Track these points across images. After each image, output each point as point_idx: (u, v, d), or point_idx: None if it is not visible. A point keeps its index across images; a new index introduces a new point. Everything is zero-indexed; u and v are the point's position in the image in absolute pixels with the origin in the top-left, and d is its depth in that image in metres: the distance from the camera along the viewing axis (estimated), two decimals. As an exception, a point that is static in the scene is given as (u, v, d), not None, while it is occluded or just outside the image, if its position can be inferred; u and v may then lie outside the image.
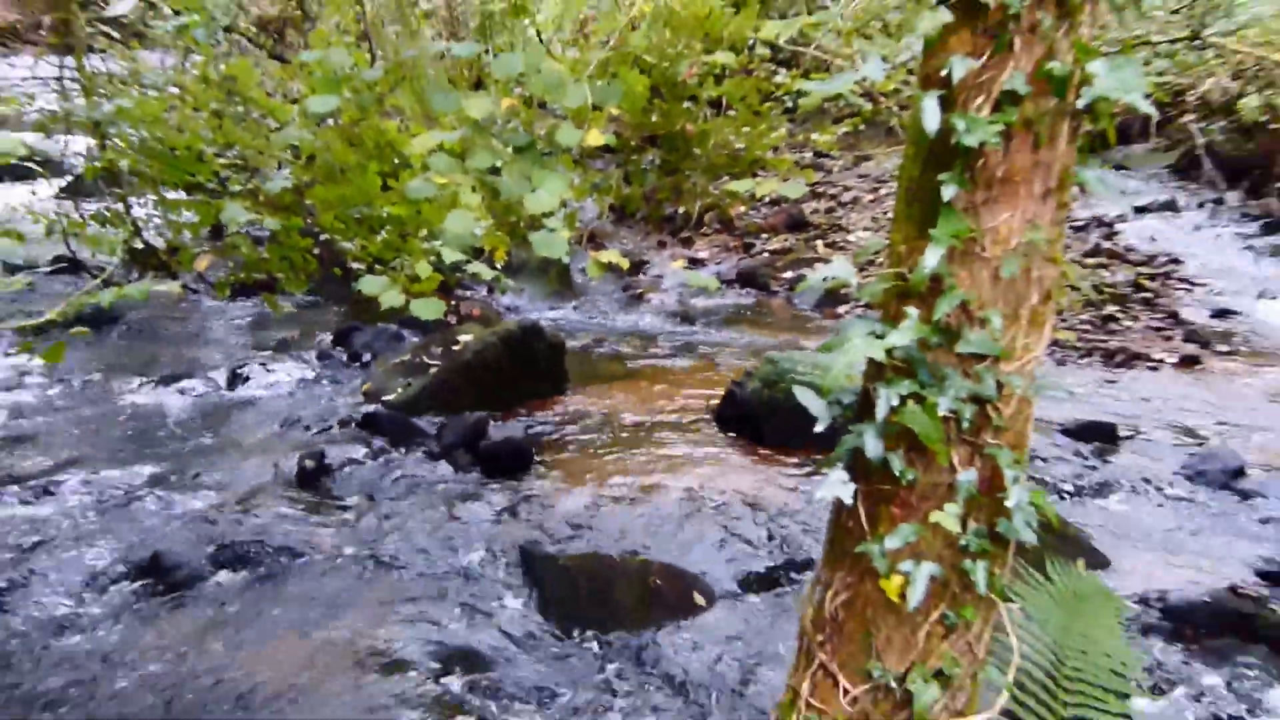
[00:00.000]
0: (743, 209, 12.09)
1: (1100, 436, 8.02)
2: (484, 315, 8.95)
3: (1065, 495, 7.18)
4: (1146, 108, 2.26)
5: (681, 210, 11.82)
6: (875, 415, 2.32)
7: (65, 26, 7.82)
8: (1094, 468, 7.64)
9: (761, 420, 7.53)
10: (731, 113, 11.63)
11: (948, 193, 2.27)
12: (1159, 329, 10.16)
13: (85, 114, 6.78)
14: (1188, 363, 9.54)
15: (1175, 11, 9.96)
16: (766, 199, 12.75)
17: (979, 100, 2.29)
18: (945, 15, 2.26)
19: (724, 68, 10.90)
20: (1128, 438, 8.09)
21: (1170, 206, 13.76)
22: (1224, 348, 9.94)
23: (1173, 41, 10.20)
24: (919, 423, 2.28)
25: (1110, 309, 10.42)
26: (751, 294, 10.75)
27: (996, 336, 2.32)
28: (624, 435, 7.63)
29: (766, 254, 11.74)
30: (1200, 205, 13.90)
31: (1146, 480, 7.47)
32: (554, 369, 8.22)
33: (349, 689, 4.91)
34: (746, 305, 10.49)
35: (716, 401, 7.93)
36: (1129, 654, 3.41)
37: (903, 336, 2.28)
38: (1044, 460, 7.60)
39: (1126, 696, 3.28)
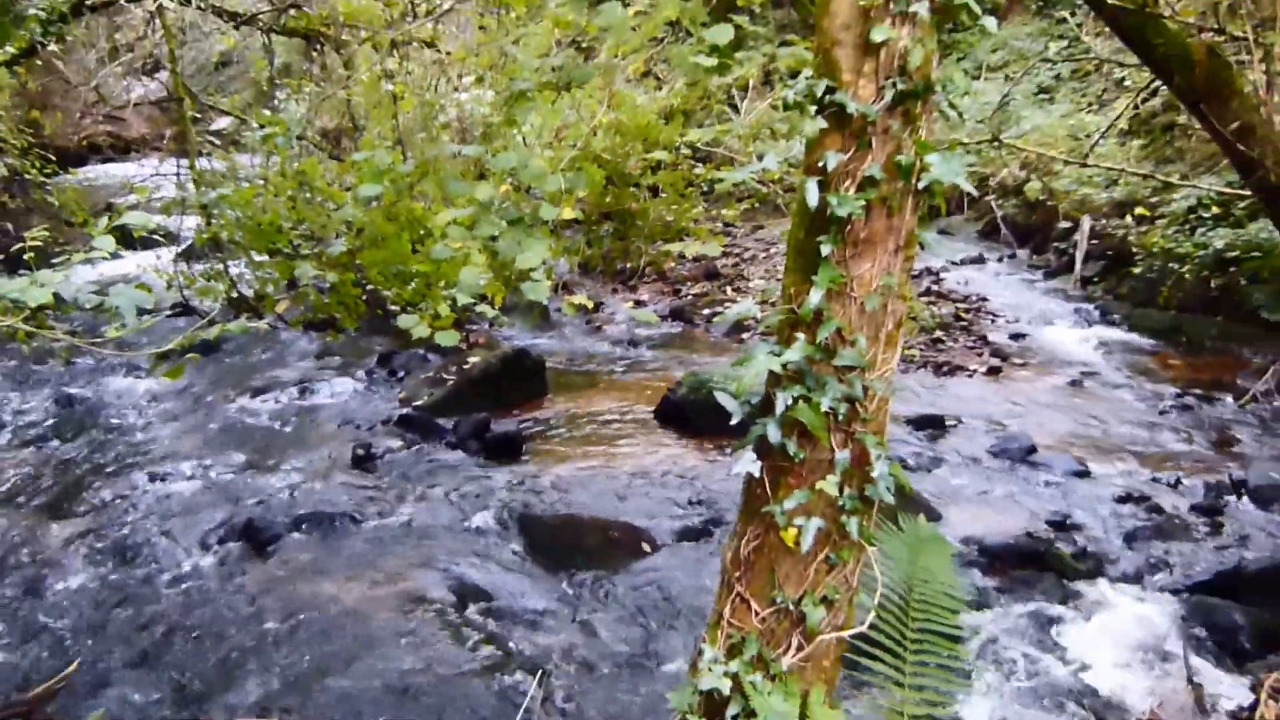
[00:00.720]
0: (672, 264, 12.08)
1: (933, 425, 8.04)
2: (488, 342, 8.87)
3: (910, 468, 7.18)
4: (968, 188, 2.26)
5: (629, 265, 11.80)
6: (775, 411, 2.29)
7: (182, 136, 7.71)
8: (929, 448, 7.66)
9: (690, 416, 7.50)
10: (664, 195, 11.64)
11: (825, 250, 2.26)
12: (973, 348, 10.20)
13: (195, 199, 6.70)
14: (993, 371, 9.59)
15: (980, 121, 10.04)
16: (690, 256, 12.76)
17: (847, 183, 2.27)
18: (821, 123, 2.24)
19: (659, 162, 10.92)
20: (952, 426, 8.11)
21: (979, 260, 13.84)
22: (1019, 360, 10.01)
23: (979, 142, 10.25)
24: (807, 416, 2.26)
25: (938, 334, 10.46)
26: (680, 325, 10.73)
27: (863, 353, 2.30)
28: (590, 427, 7.58)
29: (691, 296, 11.73)
30: (1000, 259, 13.99)
31: (966, 456, 7.50)
32: (538, 381, 8.17)
33: (391, 616, 4.85)
34: (676, 334, 10.48)
35: (657, 403, 7.90)
36: (957, 582, 3.39)
37: (794, 354, 2.26)
38: (895, 443, 7.61)
39: (957, 612, 3.26)
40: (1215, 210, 10.76)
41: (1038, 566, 5.87)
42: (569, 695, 4.29)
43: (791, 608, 2.33)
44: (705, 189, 12.40)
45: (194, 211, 7.49)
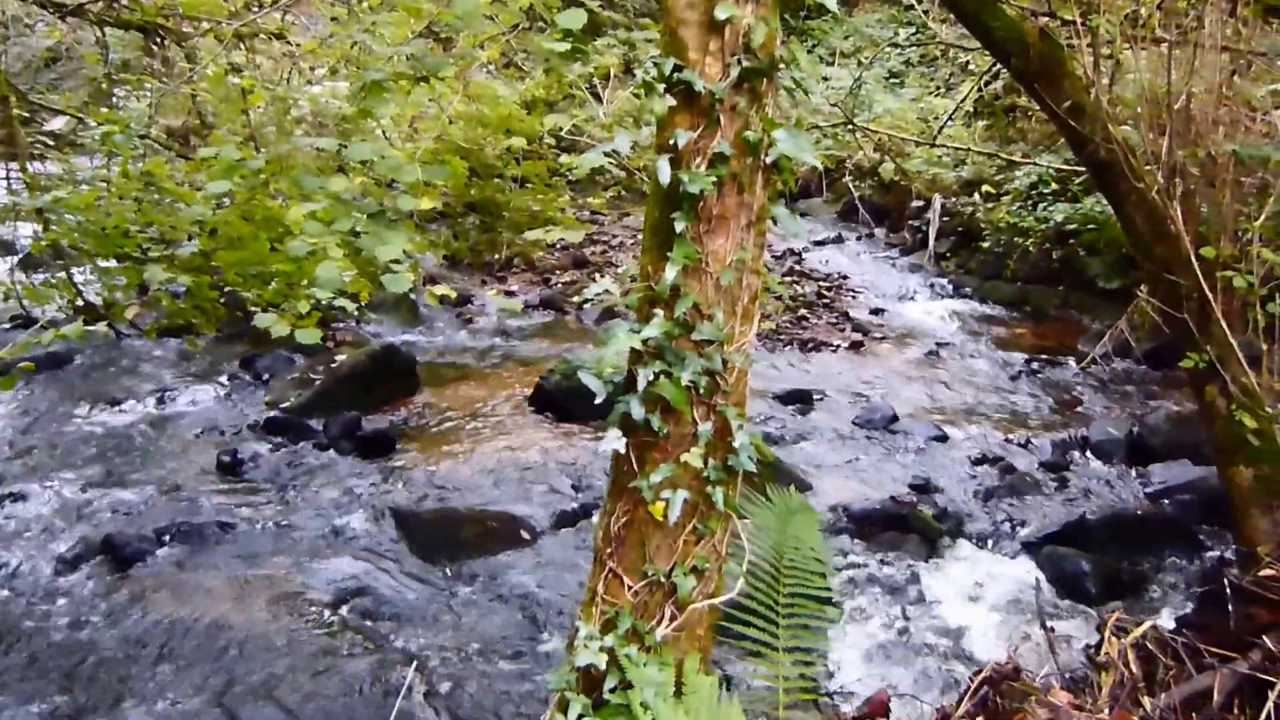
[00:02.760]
0: (541, 254, 12.03)
1: (800, 400, 8.22)
2: (355, 340, 8.67)
3: (779, 442, 7.33)
4: (813, 162, 2.32)
5: (497, 257, 11.69)
6: (637, 388, 2.31)
7: (10, 138, 7.28)
8: (797, 422, 7.83)
9: (564, 403, 7.49)
10: (530, 185, 11.58)
11: (679, 227, 2.29)
12: (835, 324, 10.47)
13: (29, 204, 6.33)
14: (855, 346, 9.86)
15: (834, 105, 10.27)
16: (559, 245, 12.72)
17: (698, 160, 2.31)
18: (670, 101, 2.27)
19: (524, 152, 10.84)
20: (819, 400, 8.31)
21: (839, 240, 14.22)
22: (879, 335, 10.32)
23: (834, 125, 10.50)
24: (669, 391, 2.29)
25: (802, 312, 10.70)
26: (551, 314, 10.71)
27: (720, 327, 2.34)
28: (463, 421, 7.50)
29: (560, 285, 11.71)
30: (859, 239, 14.40)
31: (832, 428, 7.70)
32: (409, 377, 8.03)
33: (267, 623, 4.71)
34: (547, 323, 10.46)
35: (530, 391, 7.87)
36: (824, 548, 3.47)
37: (653, 330, 2.29)
38: (764, 419, 7.76)
39: (825, 576, 3.34)
40: (1054, 186, 11.30)
41: (902, 529, 6.09)
42: (453, 685, 4.25)
43: (663, 580, 2.36)
44: (571, 179, 12.39)
45: (29, 218, 7.08)
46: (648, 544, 2.37)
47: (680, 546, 2.38)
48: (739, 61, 2.26)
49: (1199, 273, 4.63)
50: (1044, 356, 9.60)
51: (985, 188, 12.42)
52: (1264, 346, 4.60)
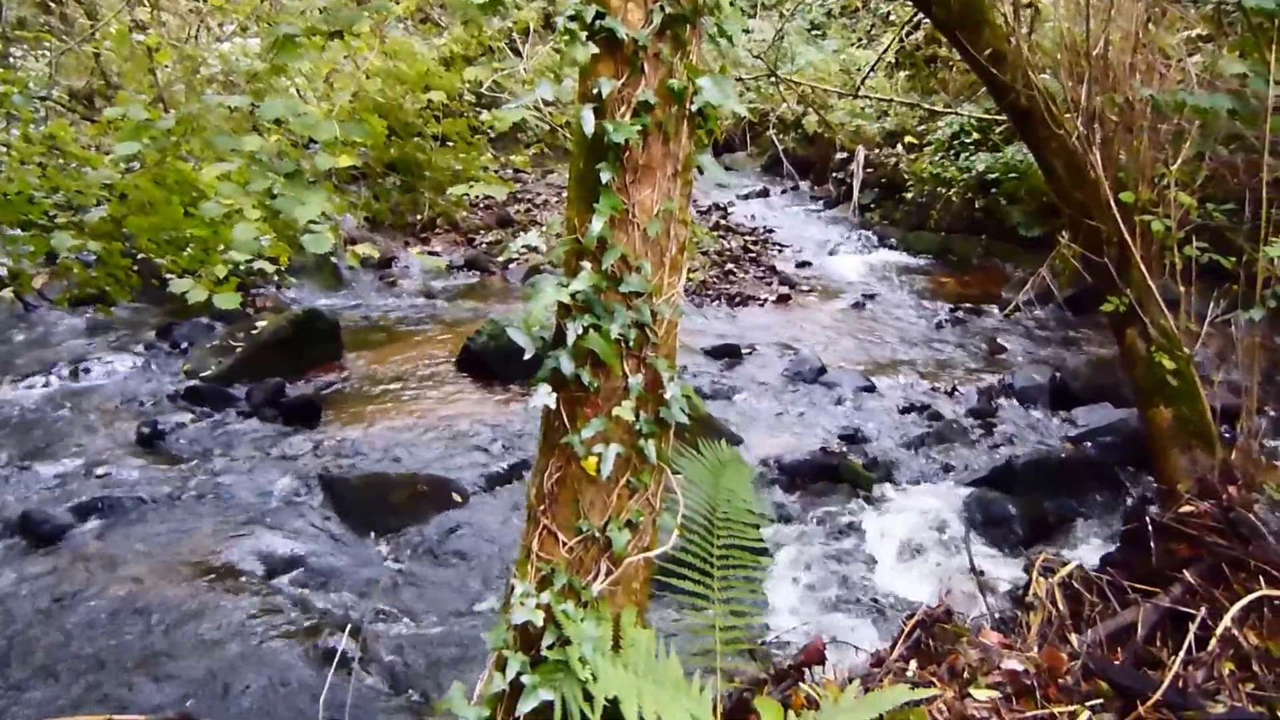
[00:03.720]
0: (465, 213, 11.87)
1: (729, 354, 8.27)
2: (276, 306, 8.51)
3: (710, 397, 7.37)
4: (740, 110, 2.31)
5: (419, 217, 11.52)
6: (566, 343, 2.29)
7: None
8: (727, 376, 7.88)
9: (492, 364, 7.44)
10: (450, 144, 11.40)
11: (605, 177, 2.26)
12: (762, 278, 10.53)
13: (-79, 171, 6.05)
14: (782, 300, 9.93)
15: (757, 56, 10.25)
16: (482, 204, 12.57)
17: (622, 109, 2.27)
18: (592, 48, 2.23)
19: (444, 109, 10.65)
20: (748, 354, 8.37)
21: (764, 194, 14.28)
22: (806, 288, 10.40)
23: (756, 78, 10.49)
24: (598, 345, 2.27)
25: (729, 266, 10.73)
26: (476, 274, 10.60)
27: (648, 278, 2.32)
28: (391, 384, 7.41)
29: (485, 245, 11.57)
30: (784, 192, 14.48)
31: (762, 382, 7.76)
32: (332, 341, 7.91)
33: (195, 596, 4.62)
34: (473, 283, 10.35)
35: (457, 353, 7.79)
36: (756, 499, 3.49)
37: (581, 284, 2.26)
38: (695, 374, 7.79)
39: (758, 527, 3.36)
40: (976, 136, 11.45)
41: (833, 479, 6.17)
42: (389, 650, 4.22)
43: (597, 535, 2.35)
44: (493, 136, 12.21)
45: (-79, 187, 6.76)
46: (581, 499, 2.36)
47: (614, 501, 2.37)
48: (661, 8, 2.22)
49: (1118, 218, 4.72)
50: (968, 305, 9.77)
51: (908, 139, 12.55)
52: (1181, 289, 4.72)
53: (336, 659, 3.81)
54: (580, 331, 2.26)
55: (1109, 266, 4.83)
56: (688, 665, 2.80)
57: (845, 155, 13.69)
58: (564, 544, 2.35)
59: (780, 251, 11.63)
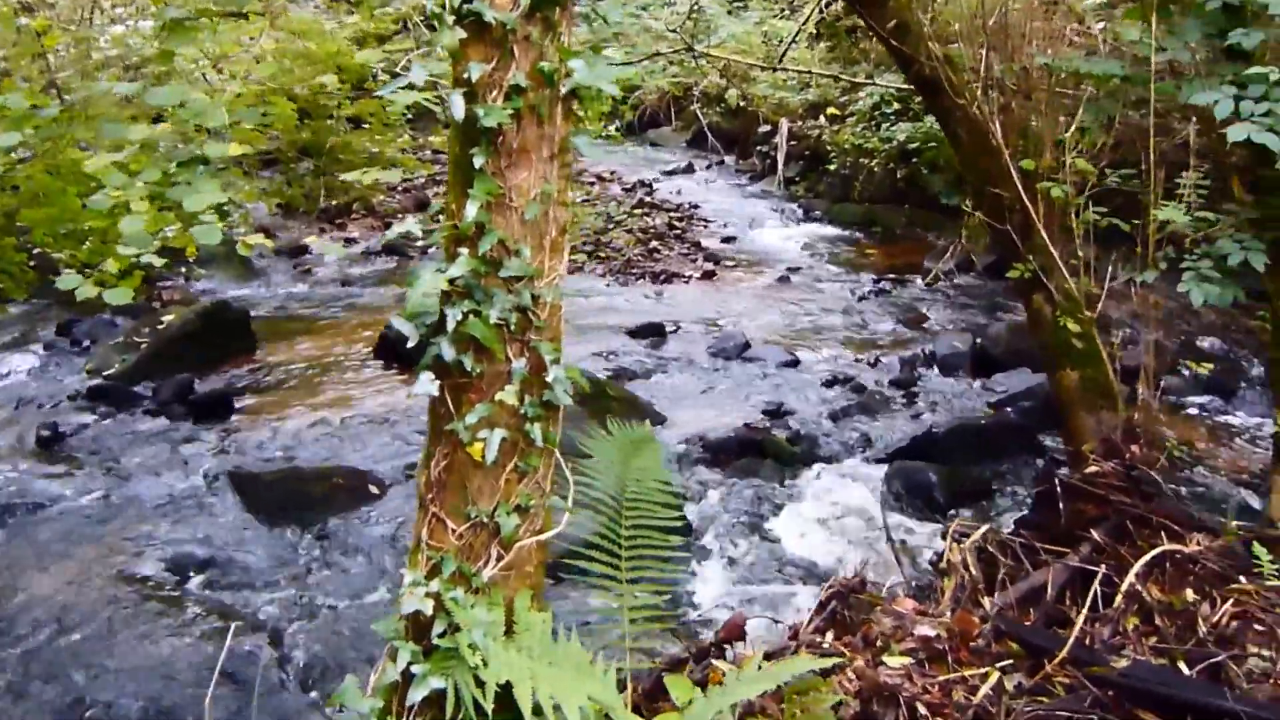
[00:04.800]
0: (382, 197, 11.76)
1: (654, 333, 8.32)
2: (184, 298, 8.37)
3: (634, 376, 7.42)
4: (612, 91, 2.33)
5: (335, 203, 11.38)
6: (447, 329, 2.31)
7: None
8: (651, 355, 7.93)
9: (410, 352, 7.38)
10: (366, 125, 11.26)
11: (478, 162, 2.28)
12: (687, 254, 10.59)
13: None
14: (707, 275, 10.00)
15: (673, 30, 10.27)
16: (400, 188, 12.46)
17: (494, 93, 2.29)
18: (461, 33, 2.24)
19: (358, 90, 10.50)
20: (672, 331, 8.42)
21: (689, 169, 14.32)
22: (731, 263, 10.49)
23: (675, 51, 10.51)
24: (479, 330, 2.29)
25: (654, 244, 10.78)
26: (394, 260, 10.51)
27: (528, 262, 2.35)
28: (306, 376, 7.35)
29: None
30: (709, 167, 14.54)
31: (687, 360, 7.83)
32: (244, 333, 7.81)
33: (100, 602, 4.56)
34: (391, 268, 10.25)
35: (374, 343, 7.74)
36: (669, 477, 3.52)
37: (458, 269, 2.28)
38: (618, 354, 7.83)
39: (670, 506, 3.39)
40: (896, 106, 11.59)
41: (756, 454, 6.27)
42: (298, 645, 4.22)
43: (487, 520, 2.38)
44: (409, 117, 12.08)
45: None
46: (469, 486, 2.38)
47: (502, 486, 2.40)
48: (529, -12, 2.24)
49: (1019, 185, 4.85)
50: (892, 276, 9.94)
51: (830, 110, 12.67)
52: (1081, 254, 4.86)
53: (222, 658, 3.80)
54: (460, 317, 2.28)
55: (1012, 234, 4.96)
56: (599, 648, 2.86)
57: (769, 128, 13.81)
58: (453, 531, 2.38)
59: (706, 227, 11.70)
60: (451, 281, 2.28)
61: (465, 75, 2.25)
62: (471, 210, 2.25)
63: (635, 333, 8.28)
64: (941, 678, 3.48)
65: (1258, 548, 4.02)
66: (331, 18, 11.83)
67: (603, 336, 8.16)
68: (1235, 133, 3.67)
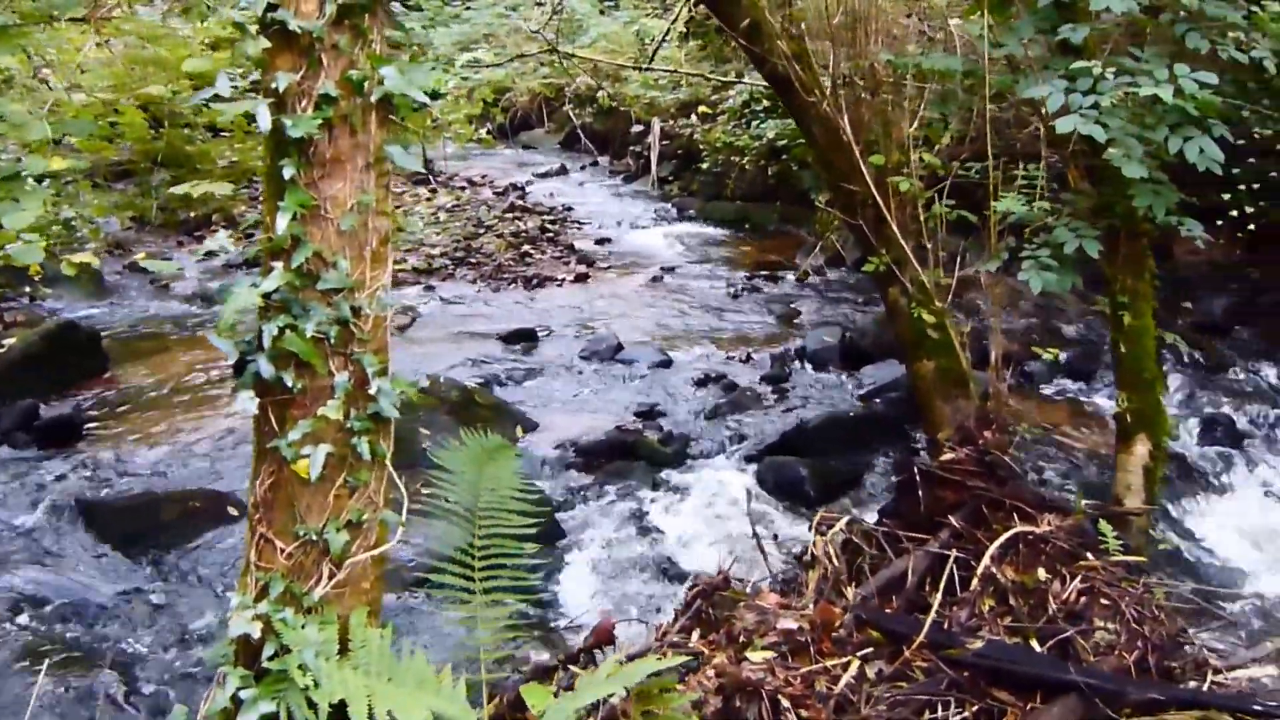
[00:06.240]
0: (243, 208, 11.46)
1: (525, 338, 8.31)
2: (29, 319, 8.03)
3: (504, 383, 7.40)
4: (423, 99, 2.34)
5: (193, 215, 11.04)
6: (264, 345, 2.30)
7: None
8: (522, 361, 7.91)
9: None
10: (226, 134, 10.97)
11: (288, 173, 2.27)
12: (560, 257, 10.60)
13: None
14: (581, 278, 10.02)
15: (536, 32, 10.26)
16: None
17: (303, 103, 2.28)
18: (264, 42, 2.23)
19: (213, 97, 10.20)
20: (545, 336, 8.42)
21: (563, 171, 14.35)
22: (605, 264, 10.53)
23: (541, 53, 10.51)
24: (297, 345, 2.28)
25: (526, 248, 10.75)
26: (257, 273, 10.25)
27: (346, 274, 2.34)
28: (162, 396, 7.14)
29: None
30: (582, 168, 14.59)
31: (559, 364, 7.84)
32: (95, 354, 7.51)
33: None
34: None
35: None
36: (524, 484, 3.52)
37: (272, 283, 2.27)
38: (488, 362, 7.79)
39: (528, 514, 3.40)
40: (766, 104, 11.79)
41: (629, 457, 6.32)
42: (147, 676, 4.12)
43: (316, 538, 2.37)
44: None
45: None
46: (297, 504, 2.37)
47: (331, 502, 2.38)
48: (335, -2, 2.24)
49: (870, 180, 5.01)
50: (765, 272, 10.12)
51: (702, 108, 12.83)
52: (932, 245, 5.04)
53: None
54: (276, 333, 2.26)
55: (865, 229, 5.12)
56: (455, 661, 2.85)
57: (642, 128, 13.91)
58: (282, 551, 2.36)
59: (580, 229, 11.73)
60: (267, 296, 2.27)
61: (273, 85, 2.24)
62: (283, 223, 2.24)
63: (506, 339, 8.26)
64: (804, 669, 3.58)
65: (1104, 525, 4.25)
66: (188, 24, 11.49)
67: (473, 344, 8.12)
68: (1063, 124, 3.87)
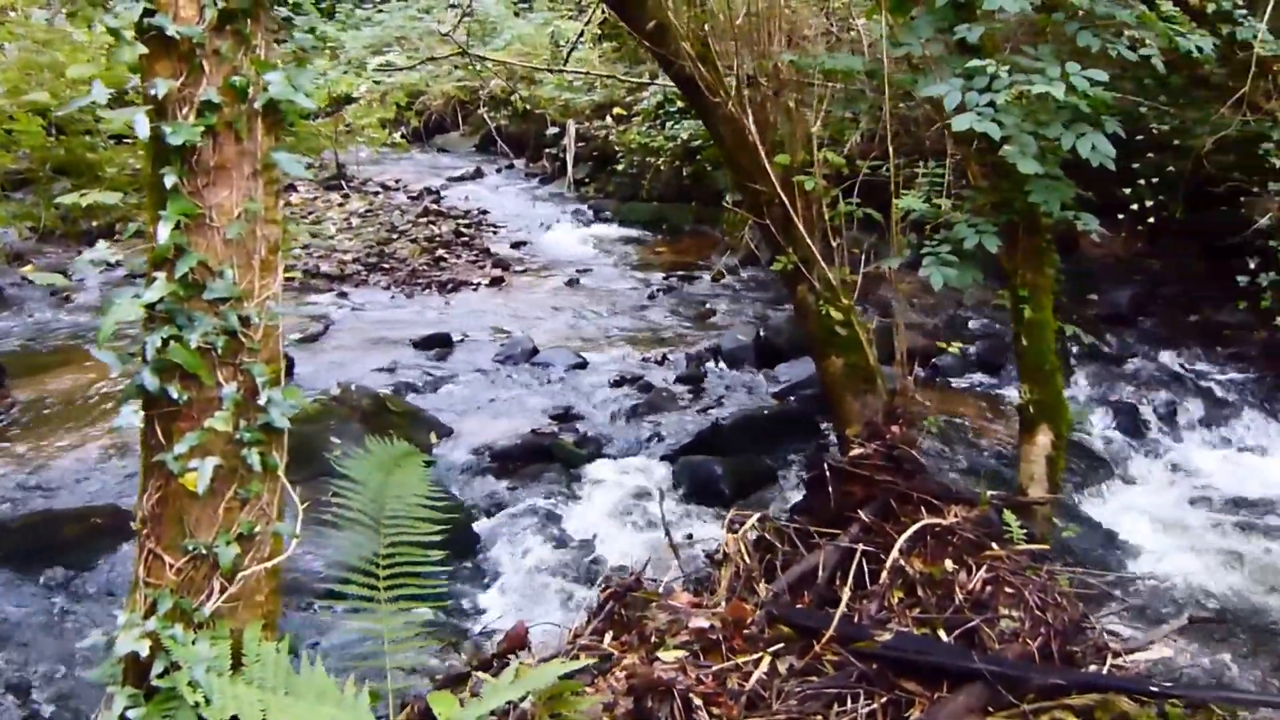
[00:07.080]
0: (145, 216, 11.20)
1: (440, 344, 8.25)
2: (-82, 337, 7.77)
3: (418, 390, 7.34)
4: (307, 105, 2.32)
5: (96, 224, 10.74)
6: (148, 357, 2.26)
7: None
8: (437, 366, 7.86)
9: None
10: (130, 140, 10.70)
11: (170, 181, 2.23)
12: (475, 261, 10.54)
13: None
14: (496, 282, 9.99)
15: (446, 35, 10.20)
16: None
17: (185, 110, 2.25)
18: (141, 48, 2.19)
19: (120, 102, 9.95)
20: (460, 341, 8.38)
21: (478, 174, 14.26)
22: (520, 268, 10.51)
23: (452, 55, 10.44)
24: (181, 356, 2.24)
25: (440, 252, 10.67)
26: (165, 283, 10.02)
27: (233, 284, 2.31)
28: (63, 411, 6.94)
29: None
30: (498, 171, 14.51)
31: (474, 369, 7.80)
32: (-10, 370, 7.30)
33: None
34: (162, 292, 9.76)
35: (139, 371, 7.37)
36: (431, 491, 3.51)
37: (154, 293, 2.23)
38: (401, 368, 7.72)
39: (435, 520, 3.39)
40: (680, 105, 11.85)
41: (544, 459, 6.32)
42: (44, 698, 4.01)
43: (206, 552, 2.33)
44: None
45: None
46: (186, 518, 2.33)
47: (221, 515, 2.35)
48: (214, 3, 2.21)
49: (775, 180, 5.06)
50: (680, 273, 10.19)
51: (616, 110, 12.86)
52: (838, 243, 5.12)
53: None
54: (159, 344, 2.22)
55: (772, 228, 5.17)
56: (358, 671, 2.83)
57: (557, 130, 13.89)
58: (171, 566, 2.32)
59: (495, 233, 11.68)
60: (150, 307, 2.23)
61: (152, 92, 2.20)
62: (164, 231, 2.21)
63: (420, 344, 8.20)
64: (716, 667, 3.62)
65: (1008, 515, 4.35)
66: (87, 29, 11.19)
67: (386, 350, 8.04)
68: (959, 122, 3.94)
